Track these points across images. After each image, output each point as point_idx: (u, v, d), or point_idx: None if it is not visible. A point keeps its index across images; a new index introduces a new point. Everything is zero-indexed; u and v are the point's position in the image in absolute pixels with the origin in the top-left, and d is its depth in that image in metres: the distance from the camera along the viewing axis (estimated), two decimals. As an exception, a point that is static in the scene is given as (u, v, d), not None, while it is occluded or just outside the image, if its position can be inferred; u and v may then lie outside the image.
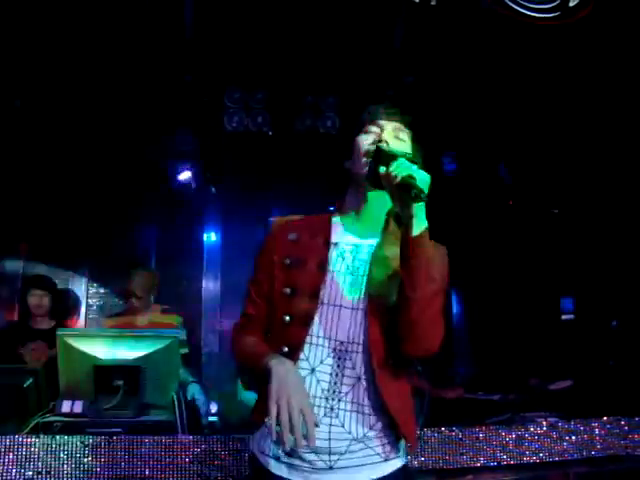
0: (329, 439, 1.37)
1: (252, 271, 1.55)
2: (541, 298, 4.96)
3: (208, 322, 5.13)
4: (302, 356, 1.40)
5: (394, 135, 1.50)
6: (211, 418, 3.36)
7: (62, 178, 4.74)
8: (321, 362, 1.40)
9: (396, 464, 1.42)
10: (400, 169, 1.29)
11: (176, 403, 2.14)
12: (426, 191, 1.27)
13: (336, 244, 1.48)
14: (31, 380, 2.25)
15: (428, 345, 1.37)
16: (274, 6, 3.56)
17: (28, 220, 4.79)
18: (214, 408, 3.52)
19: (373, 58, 3.99)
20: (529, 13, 2.99)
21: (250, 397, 3.12)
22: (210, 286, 5.24)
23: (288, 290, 1.44)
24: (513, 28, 3.33)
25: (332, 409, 1.38)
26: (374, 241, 1.48)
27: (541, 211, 4.99)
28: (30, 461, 1.93)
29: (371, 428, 1.40)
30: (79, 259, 5.03)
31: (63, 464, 1.94)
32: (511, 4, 3.03)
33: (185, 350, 3.46)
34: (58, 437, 1.97)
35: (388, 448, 1.41)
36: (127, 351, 2.24)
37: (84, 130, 4.55)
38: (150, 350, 2.25)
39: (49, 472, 1.93)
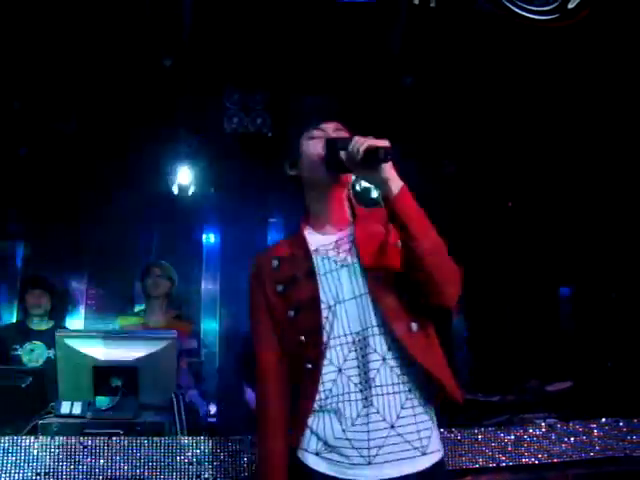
0: (368, 431, 1.40)
1: (251, 317, 1.59)
2: (540, 300, 4.96)
3: (207, 323, 5.14)
4: (326, 362, 1.44)
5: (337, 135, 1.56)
6: (210, 419, 3.36)
7: (61, 178, 4.75)
8: (345, 360, 1.44)
9: (434, 458, 1.44)
10: (359, 143, 1.35)
11: (175, 404, 2.14)
12: (391, 149, 1.33)
13: (316, 250, 1.52)
14: (30, 381, 2.24)
15: (450, 290, 1.42)
16: (273, 7, 3.56)
17: (28, 220, 4.80)
18: (213, 409, 3.52)
19: (372, 60, 3.99)
20: (527, 15, 2.99)
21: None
22: (209, 287, 5.25)
23: (292, 313, 1.48)
24: (512, 30, 3.33)
25: (366, 399, 1.41)
26: (348, 230, 1.54)
27: (540, 213, 4.99)
28: (29, 462, 1.92)
29: (403, 408, 1.42)
30: (78, 259, 5.03)
31: (62, 465, 1.93)
32: (509, 5, 3.03)
33: (194, 359, 3.45)
34: (57, 438, 1.96)
35: (425, 442, 1.43)
36: (126, 352, 2.24)
37: (83, 130, 4.55)
38: (149, 351, 2.24)
39: (48, 473, 1.92)
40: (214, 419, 3.59)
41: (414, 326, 1.44)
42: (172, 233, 5.20)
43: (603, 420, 2.34)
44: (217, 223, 5.40)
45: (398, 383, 1.43)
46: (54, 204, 4.77)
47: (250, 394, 3.13)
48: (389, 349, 1.43)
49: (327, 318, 1.45)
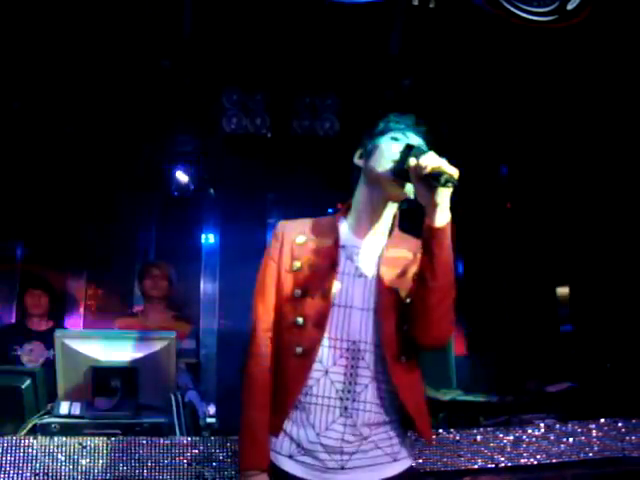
0: (342, 439, 1.41)
1: (259, 276, 1.56)
2: (539, 300, 4.97)
3: (206, 323, 5.13)
4: (316, 358, 1.43)
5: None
6: (209, 420, 3.35)
7: (60, 179, 4.74)
8: (334, 363, 1.44)
9: (404, 464, 1.47)
10: (431, 160, 1.34)
11: (174, 405, 2.14)
12: (456, 180, 1.32)
13: (344, 246, 1.51)
14: (29, 381, 2.24)
15: (443, 333, 1.44)
16: (273, 8, 3.56)
17: (26, 221, 4.79)
18: (212, 410, 3.51)
19: (371, 60, 3.99)
20: (526, 16, 2.99)
21: None
22: (208, 288, 5.25)
23: (299, 292, 1.47)
24: (512, 31, 3.34)
25: (346, 409, 1.42)
26: (381, 242, 1.53)
27: (539, 214, 4.99)
28: (28, 463, 1.92)
29: (382, 426, 1.44)
30: (77, 260, 5.03)
31: (61, 466, 1.93)
32: (507, 5, 3.02)
33: (194, 360, 3.45)
34: (56, 439, 1.96)
35: (397, 448, 1.46)
36: (125, 352, 2.24)
37: (82, 131, 4.55)
38: (148, 351, 2.25)
39: (47, 474, 1.92)
40: (213, 419, 3.59)
41: (403, 358, 1.44)
42: (171, 233, 5.19)
43: (602, 421, 2.34)
44: (216, 223, 5.39)
45: (381, 405, 1.44)
46: (52, 204, 4.77)
47: None
48: (379, 371, 1.44)
49: (331, 316, 1.44)
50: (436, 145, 1.58)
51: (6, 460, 1.92)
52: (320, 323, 1.43)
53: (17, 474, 1.91)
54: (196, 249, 5.31)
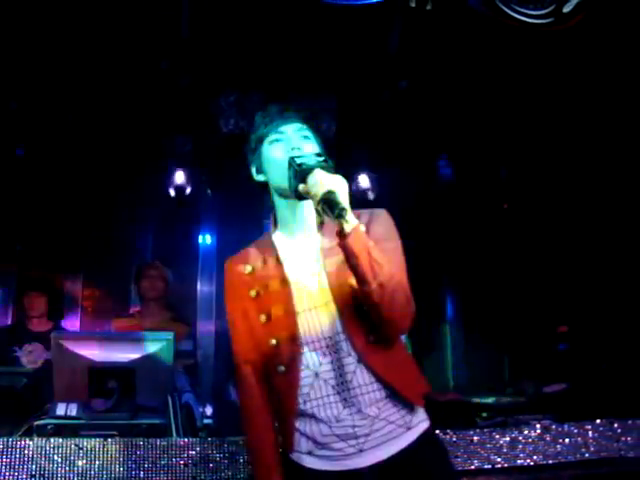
0: (353, 425, 1.43)
1: (228, 316, 1.61)
2: (536, 301, 4.97)
3: (203, 324, 5.13)
4: (302, 366, 1.46)
5: (300, 136, 1.55)
6: (206, 421, 3.35)
7: (58, 179, 4.74)
8: (320, 364, 1.46)
9: (419, 429, 1.47)
10: (318, 185, 1.32)
11: (171, 406, 2.14)
12: (347, 204, 1.31)
13: (286, 257, 1.54)
14: (25, 382, 2.24)
15: (398, 324, 1.44)
16: (271, 9, 3.57)
17: (23, 221, 4.79)
18: (209, 411, 3.51)
19: (369, 61, 4.00)
20: (523, 18, 3.00)
21: None
22: (205, 288, 5.24)
23: (263, 317, 1.51)
24: (509, 33, 3.34)
25: (346, 400, 1.44)
26: (317, 238, 1.54)
27: (536, 214, 5.00)
28: (24, 464, 1.92)
29: (385, 399, 1.45)
30: (74, 261, 5.02)
31: (57, 467, 1.93)
32: (503, 8, 3.03)
33: (190, 362, 3.45)
34: (52, 440, 1.96)
35: (408, 418, 1.47)
36: (121, 353, 2.24)
37: (80, 131, 4.55)
38: (144, 352, 2.25)
39: (43, 475, 1.92)
40: (210, 420, 3.58)
41: (372, 338, 1.45)
42: (168, 234, 5.19)
43: (598, 421, 2.34)
44: (213, 224, 5.39)
45: (374, 382, 1.45)
46: (50, 205, 4.76)
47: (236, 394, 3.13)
48: (357, 354, 1.45)
49: (300, 324, 1.47)
50: (312, 114, 1.58)
51: (2, 461, 1.91)
52: (293, 337, 1.46)
53: (13, 475, 1.91)
54: (193, 250, 5.31)
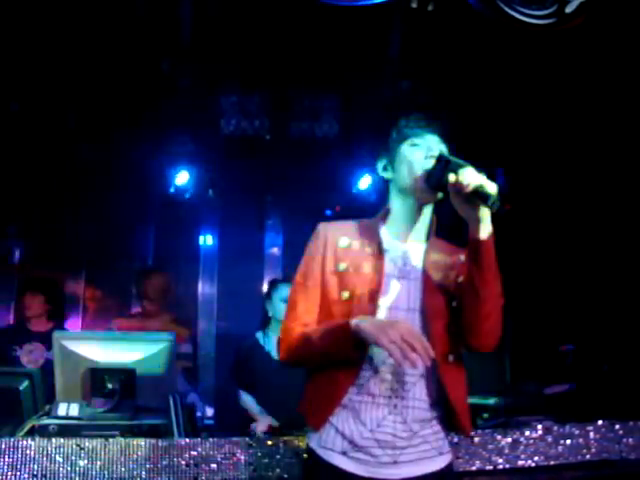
0: (394, 435, 1.44)
1: (299, 274, 1.59)
2: (538, 302, 4.97)
3: (204, 325, 5.14)
4: (365, 357, 1.46)
5: (437, 148, 1.58)
6: (207, 421, 3.35)
7: (59, 179, 4.74)
8: (383, 363, 1.46)
9: (447, 458, 1.52)
10: (471, 177, 1.38)
11: (172, 406, 2.14)
12: (498, 200, 1.37)
13: (387, 250, 1.55)
14: (27, 383, 2.24)
15: (494, 337, 1.50)
16: (272, 10, 3.57)
17: (24, 221, 4.79)
18: (210, 411, 3.52)
19: (370, 62, 4.00)
20: (525, 19, 3.00)
21: (249, 402, 3.12)
22: (206, 289, 5.25)
23: (346, 294, 1.50)
24: (511, 34, 3.34)
25: (395, 407, 1.45)
26: (421, 247, 1.58)
27: (540, 214, 5.00)
28: (26, 464, 1.92)
29: (429, 422, 1.48)
30: (75, 261, 5.03)
31: (59, 467, 1.93)
32: (505, 8, 3.03)
33: (190, 364, 3.47)
34: (54, 440, 1.96)
35: (442, 442, 1.51)
36: (123, 354, 2.24)
37: (82, 131, 4.55)
38: (146, 353, 2.25)
39: (45, 475, 1.92)
40: (211, 421, 3.59)
41: (451, 357, 1.49)
42: (169, 235, 5.19)
43: (599, 423, 2.34)
44: (214, 225, 5.39)
45: (429, 402, 1.48)
46: (51, 205, 4.77)
47: (244, 397, 3.13)
48: (428, 369, 1.45)
49: (379, 316, 1.48)
50: (449, 136, 1.63)
51: (4, 461, 1.91)
52: None
53: (15, 475, 1.91)
54: (194, 250, 5.31)
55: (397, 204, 1.61)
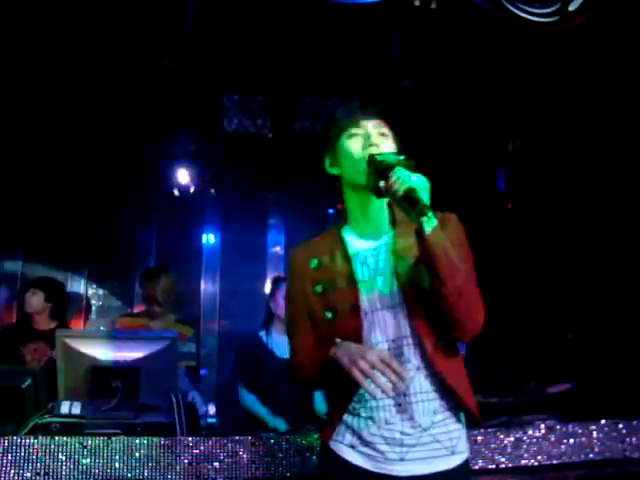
0: (401, 432, 1.43)
1: (288, 307, 1.61)
2: (540, 301, 4.96)
3: (207, 324, 5.14)
4: None
5: (378, 133, 1.52)
6: (210, 420, 3.35)
7: (61, 179, 4.75)
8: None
9: (461, 458, 1.49)
10: (399, 182, 1.32)
11: (175, 405, 2.14)
12: (428, 201, 1.31)
13: (356, 254, 1.52)
14: (29, 381, 2.24)
15: (471, 327, 1.44)
16: (274, 9, 3.57)
17: (27, 220, 4.80)
18: (212, 410, 3.52)
19: (373, 60, 4.00)
20: (528, 17, 2.99)
21: (251, 401, 3.12)
22: (209, 288, 5.24)
23: (329, 314, 1.49)
24: (513, 32, 3.34)
25: (400, 405, 1.44)
26: (387, 237, 1.53)
27: (541, 213, 4.99)
28: (28, 462, 1.92)
29: (436, 414, 1.46)
30: (78, 260, 5.03)
31: (61, 465, 1.94)
32: (508, 6, 3.02)
33: (193, 363, 3.47)
34: (56, 438, 1.96)
35: (455, 442, 1.48)
36: (126, 352, 2.24)
37: (83, 131, 4.56)
38: (149, 351, 2.25)
39: (47, 473, 1.92)
40: (213, 419, 3.59)
41: (441, 344, 1.46)
42: (172, 234, 5.20)
43: (602, 422, 2.33)
44: (217, 224, 5.39)
45: (431, 391, 1.46)
46: (53, 204, 4.77)
47: (246, 396, 3.13)
48: (422, 360, 1.45)
49: (365, 325, 1.47)
50: (389, 114, 1.56)
51: (7, 460, 1.92)
52: (356, 338, 1.45)
53: (18, 473, 1.91)
54: (197, 249, 5.31)
55: (352, 201, 1.56)
